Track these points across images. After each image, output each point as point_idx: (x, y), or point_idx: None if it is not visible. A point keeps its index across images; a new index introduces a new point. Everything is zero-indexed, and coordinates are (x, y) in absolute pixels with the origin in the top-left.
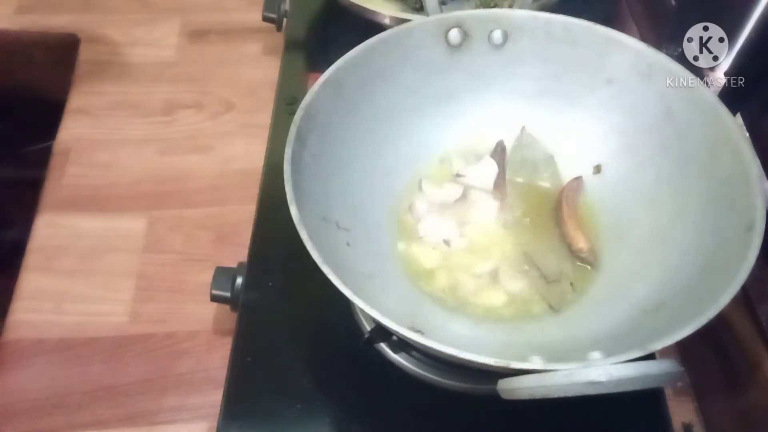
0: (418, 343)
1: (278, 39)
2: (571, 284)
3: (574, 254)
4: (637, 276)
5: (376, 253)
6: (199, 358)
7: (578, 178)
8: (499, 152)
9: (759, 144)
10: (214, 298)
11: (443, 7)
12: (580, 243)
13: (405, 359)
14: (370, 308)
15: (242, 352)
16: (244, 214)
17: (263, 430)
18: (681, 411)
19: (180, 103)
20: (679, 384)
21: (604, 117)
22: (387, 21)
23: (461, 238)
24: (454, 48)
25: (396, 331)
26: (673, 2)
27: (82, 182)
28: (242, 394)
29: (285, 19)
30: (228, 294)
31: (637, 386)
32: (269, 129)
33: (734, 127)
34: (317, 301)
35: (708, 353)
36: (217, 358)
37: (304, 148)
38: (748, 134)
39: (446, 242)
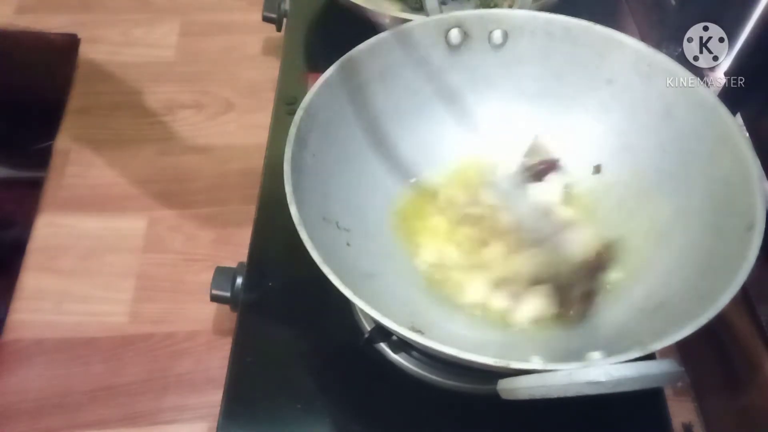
0: (418, 343)
1: (278, 39)
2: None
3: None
4: (637, 276)
5: (376, 253)
6: (199, 358)
7: None
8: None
9: (759, 144)
10: (214, 298)
11: (443, 7)
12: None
13: (405, 359)
14: (370, 308)
15: (242, 352)
16: (244, 214)
17: (263, 430)
18: (681, 411)
19: (180, 103)
20: (679, 384)
21: (604, 117)
22: (387, 21)
23: (466, 242)
24: (454, 48)
25: (396, 331)
26: (673, 2)
27: (82, 182)
28: (242, 394)
29: (285, 19)
30: (228, 294)
31: (637, 386)
32: (269, 129)
33: (734, 127)
34: (317, 301)
35: (708, 353)
36: (217, 358)
37: (304, 148)
38: (748, 134)
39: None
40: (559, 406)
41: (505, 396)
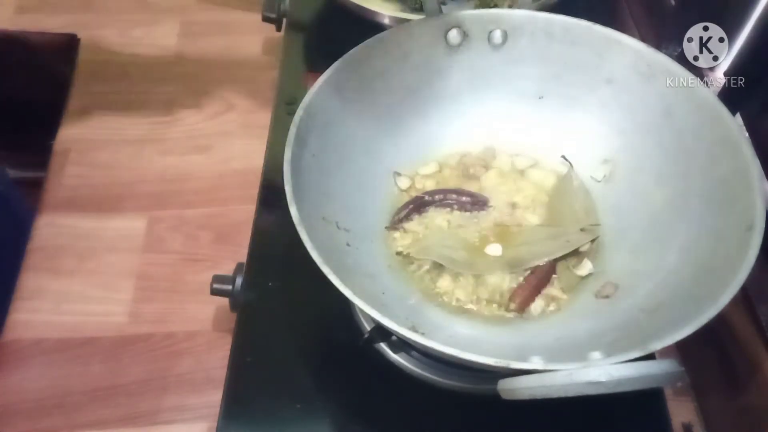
0: (419, 344)
1: (278, 39)
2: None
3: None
4: (637, 276)
5: (376, 253)
6: (199, 358)
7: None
8: None
9: (759, 144)
10: (215, 292)
11: (443, 7)
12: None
13: (405, 359)
14: (370, 308)
15: (242, 352)
16: (244, 214)
17: (263, 430)
18: (681, 411)
19: (180, 103)
20: (679, 384)
21: (604, 117)
22: (387, 21)
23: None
24: (453, 48)
25: (396, 331)
26: (673, 2)
27: (82, 182)
28: (242, 394)
29: (285, 19)
30: (229, 287)
31: (637, 386)
32: (269, 129)
33: (734, 127)
34: (317, 301)
35: (708, 353)
36: (217, 358)
37: (304, 148)
38: (747, 134)
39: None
40: (559, 406)
41: (505, 396)
